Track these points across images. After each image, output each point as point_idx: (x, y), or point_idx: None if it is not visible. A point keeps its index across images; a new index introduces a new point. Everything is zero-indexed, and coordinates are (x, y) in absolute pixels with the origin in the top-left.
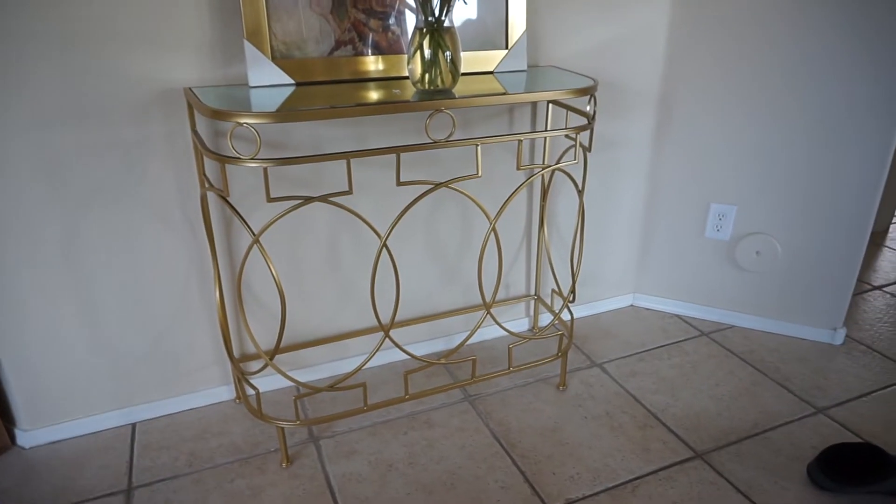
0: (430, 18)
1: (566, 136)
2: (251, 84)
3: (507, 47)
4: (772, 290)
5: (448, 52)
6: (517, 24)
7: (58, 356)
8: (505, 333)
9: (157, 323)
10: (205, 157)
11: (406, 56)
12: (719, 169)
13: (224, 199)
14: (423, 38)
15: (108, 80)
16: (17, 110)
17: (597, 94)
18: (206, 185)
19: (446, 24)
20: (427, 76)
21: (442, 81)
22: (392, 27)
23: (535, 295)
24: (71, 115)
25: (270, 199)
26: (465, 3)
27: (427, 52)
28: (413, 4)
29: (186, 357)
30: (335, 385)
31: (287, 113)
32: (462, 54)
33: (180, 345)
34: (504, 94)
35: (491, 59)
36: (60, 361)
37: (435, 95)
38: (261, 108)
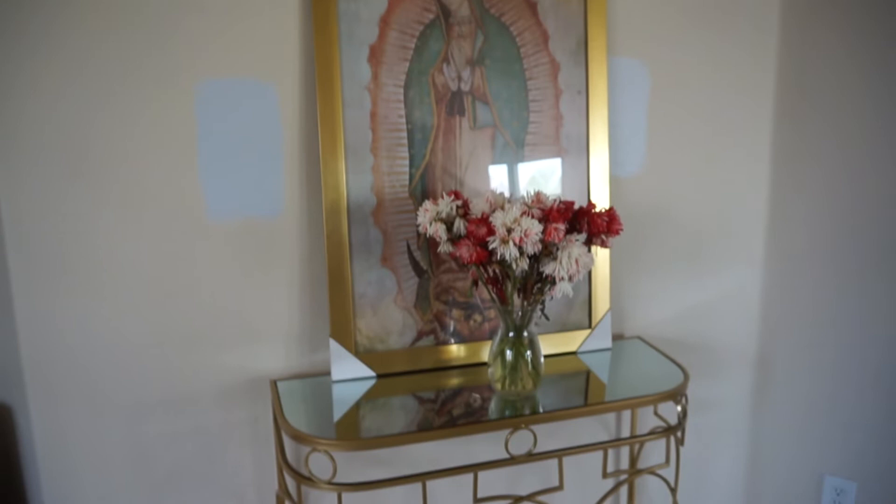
0: (510, 333)
1: (655, 436)
2: (334, 378)
3: (590, 326)
4: None
5: (529, 355)
6: (601, 303)
7: None
8: None
9: None
10: (284, 443)
11: (489, 349)
12: (833, 435)
13: None
14: (505, 345)
15: (204, 371)
16: (116, 406)
17: (688, 364)
18: (283, 490)
19: (529, 329)
20: (508, 380)
21: (523, 386)
22: (474, 315)
23: None
24: (165, 406)
25: None
26: (548, 318)
27: (508, 357)
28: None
29: None
30: None
31: (364, 441)
32: (545, 337)
33: None
34: (587, 406)
35: (574, 338)
36: None
37: (516, 401)
38: (342, 402)
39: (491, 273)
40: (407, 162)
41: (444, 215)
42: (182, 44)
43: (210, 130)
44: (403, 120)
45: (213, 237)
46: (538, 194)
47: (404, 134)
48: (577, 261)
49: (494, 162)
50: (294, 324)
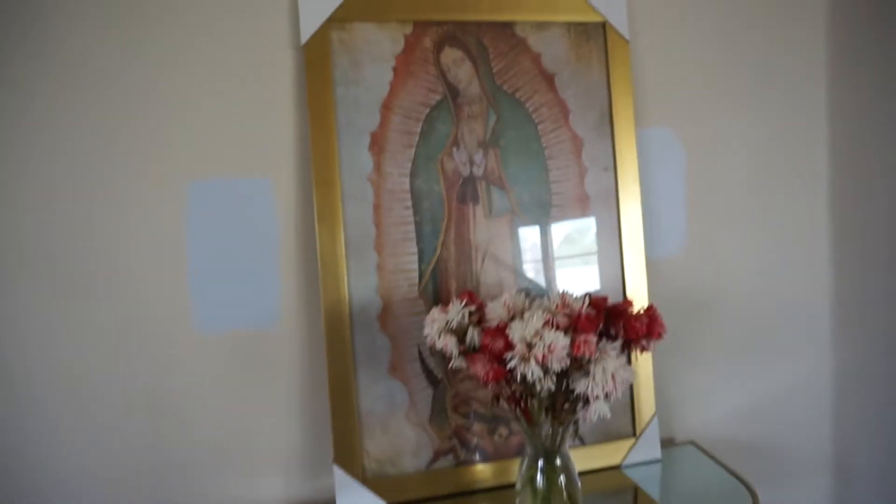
0: (539, 458)
1: None
2: None
3: (634, 434)
4: None
5: (563, 480)
6: (646, 406)
7: None
8: None
9: None
10: None
11: (518, 470)
12: None
13: None
14: (534, 471)
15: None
16: None
17: (751, 471)
18: None
19: (561, 450)
20: None
21: None
22: (499, 429)
23: None
24: None
25: None
26: (583, 441)
27: (539, 485)
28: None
29: None
30: None
31: None
32: (583, 450)
33: None
34: None
35: (617, 450)
36: None
37: None
38: None
39: (512, 391)
40: (416, 258)
41: (454, 325)
42: (174, 143)
43: (200, 234)
44: (410, 212)
45: (202, 352)
46: (563, 296)
47: (412, 227)
48: (613, 376)
49: (514, 253)
50: (294, 447)
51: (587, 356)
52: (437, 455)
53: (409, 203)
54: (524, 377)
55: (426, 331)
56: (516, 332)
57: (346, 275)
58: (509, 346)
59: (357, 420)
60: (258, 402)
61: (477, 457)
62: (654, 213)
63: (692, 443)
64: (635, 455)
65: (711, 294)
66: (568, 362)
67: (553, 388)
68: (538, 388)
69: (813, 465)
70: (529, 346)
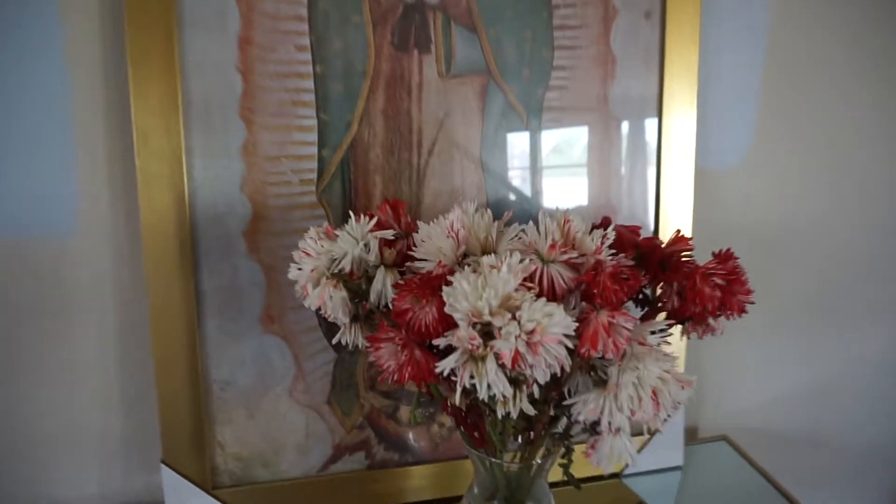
0: (495, 500)
1: None
2: None
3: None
4: None
5: None
6: None
7: None
8: None
9: None
10: None
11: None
12: None
13: None
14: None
15: None
16: None
17: (804, 471)
18: None
19: (534, 489)
20: None
21: None
22: (438, 416)
23: None
24: None
25: None
26: (579, 488)
27: None
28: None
29: None
30: None
31: None
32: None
33: None
34: None
35: None
36: None
37: None
38: None
39: (451, 404)
40: (314, 136)
41: (349, 264)
42: None
43: None
44: (307, 55)
45: None
46: (566, 219)
47: (309, 82)
48: (654, 393)
49: (485, 142)
50: (111, 426)
51: (609, 353)
52: (340, 452)
53: (306, 40)
54: (473, 391)
55: (291, 273)
56: (461, 298)
57: (183, 159)
58: (448, 323)
59: (204, 396)
60: (50, 359)
61: (402, 457)
62: (712, 99)
63: (724, 438)
64: (647, 460)
65: (769, 231)
66: (567, 364)
67: (532, 407)
68: (503, 411)
69: (875, 462)
70: (487, 333)
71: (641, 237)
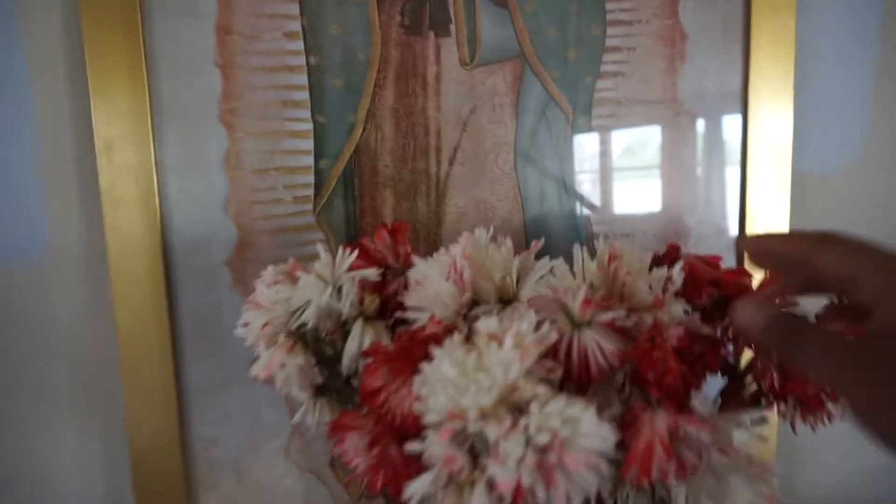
0: None
1: None
2: None
3: None
4: None
5: None
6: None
7: None
8: None
9: None
10: None
11: None
12: None
13: None
14: None
15: None
16: None
17: None
18: None
19: None
20: None
21: None
22: None
23: None
24: None
25: None
26: None
27: None
28: None
29: None
30: None
31: None
32: None
33: None
34: None
35: None
36: None
37: None
38: None
39: None
40: (309, 144)
41: (312, 318)
42: None
43: None
44: (299, 44)
45: None
46: (612, 255)
47: (302, 77)
48: None
49: (520, 145)
50: (78, 485)
51: (670, 479)
52: None
53: (297, 25)
54: None
55: (238, 331)
56: (441, 384)
57: (154, 174)
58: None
59: (185, 457)
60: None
61: None
62: (811, 91)
63: None
64: None
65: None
66: (604, 489)
67: None
68: None
69: None
70: (474, 455)
71: (723, 270)
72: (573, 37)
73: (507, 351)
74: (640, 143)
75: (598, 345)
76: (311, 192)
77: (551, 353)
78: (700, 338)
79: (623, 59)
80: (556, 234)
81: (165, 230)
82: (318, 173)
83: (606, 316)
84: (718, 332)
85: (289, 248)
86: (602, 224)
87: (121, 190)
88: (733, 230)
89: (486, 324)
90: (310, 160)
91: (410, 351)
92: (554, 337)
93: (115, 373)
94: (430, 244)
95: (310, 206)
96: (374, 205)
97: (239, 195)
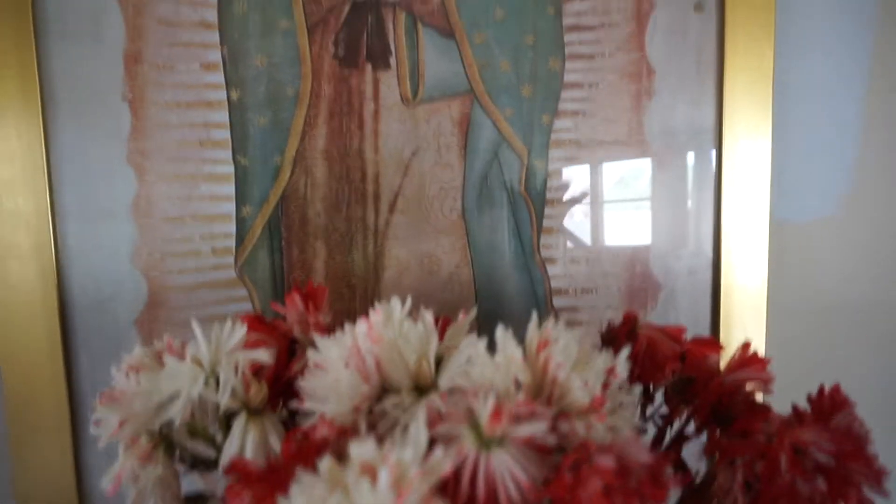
0: None
1: None
2: None
3: None
4: None
5: None
6: None
7: None
8: None
9: None
10: None
11: None
12: None
13: None
14: None
15: None
16: None
17: None
18: None
19: None
20: None
21: None
22: None
23: None
24: None
25: None
26: None
27: None
28: None
29: None
30: None
31: None
32: None
33: None
34: None
35: None
36: None
37: None
38: None
39: None
40: (230, 189)
41: (182, 413)
42: None
43: None
44: (219, 77)
45: None
46: (542, 342)
47: (222, 113)
48: None
49: (469, 192)
50: None
51: None
52: None
53: (217, 55)
54: None
55: (92, 429)
56: None
57: (50, 222)
58: None
59: None
60: None
61: None
62: (790, 124)
63: None
64: None
65: (868, 305)
66: None
67: None
68: None
69: None
70: None
71: (688, 341)
72: (528, 71)
73: (381, 491)
74: (606, 188)
75: (510, 472)
76: (232, 242)
77: (450, 482)
78: (637, 468)
79: (584, 96)
80: (510, 290)
81: (63, 285)
82: (241, 222)
83: (523, 430)
84: (666, 444)
85: (206, 306)
86: (563, 278)
87: (9, 238)
88: (707, 283)
89: (358, 450)
90: (231, 207)
91: (279, 472)
92: (448, 467)
93: (4, 448)
94: (368, 303)
95: (231, 259)
96: (303, 258)
97: (149, 245)
